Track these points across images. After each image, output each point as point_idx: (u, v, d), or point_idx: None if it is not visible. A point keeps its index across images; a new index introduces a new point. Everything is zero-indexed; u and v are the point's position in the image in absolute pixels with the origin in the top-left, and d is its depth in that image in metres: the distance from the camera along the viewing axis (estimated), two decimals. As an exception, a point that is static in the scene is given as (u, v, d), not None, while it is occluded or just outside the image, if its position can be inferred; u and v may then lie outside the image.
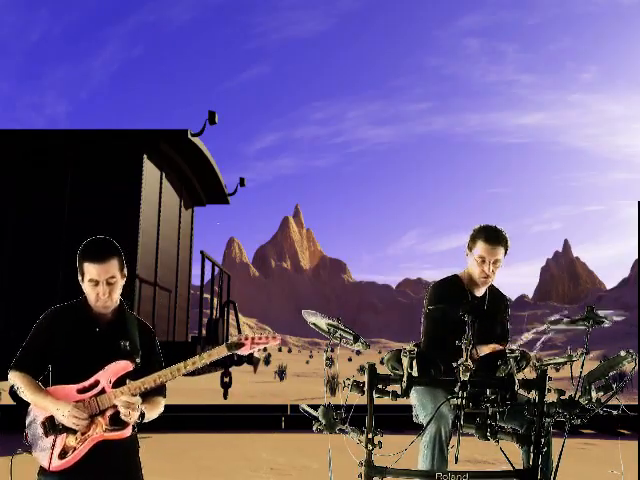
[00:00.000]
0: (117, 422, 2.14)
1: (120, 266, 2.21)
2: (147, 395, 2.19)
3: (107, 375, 2.15)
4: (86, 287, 2.19)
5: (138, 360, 2.23)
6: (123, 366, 2.17)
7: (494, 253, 2.94)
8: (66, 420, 2.06)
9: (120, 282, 2.22)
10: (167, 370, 2.19)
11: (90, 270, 2.15)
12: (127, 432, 2.18)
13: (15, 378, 2.17)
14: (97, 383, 2.14)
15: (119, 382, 2.16)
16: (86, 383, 2.13)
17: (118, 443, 2.16)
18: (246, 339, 2.23)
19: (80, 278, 2.20)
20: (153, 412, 2.22)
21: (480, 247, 2.96)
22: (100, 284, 2.16)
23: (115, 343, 2.21)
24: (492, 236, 2.95)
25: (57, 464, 2.06)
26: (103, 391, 2.13)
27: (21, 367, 2.19)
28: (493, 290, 3.16)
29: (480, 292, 3.09)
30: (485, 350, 2.81)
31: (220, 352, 2.22)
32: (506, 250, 3.00)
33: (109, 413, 2.12)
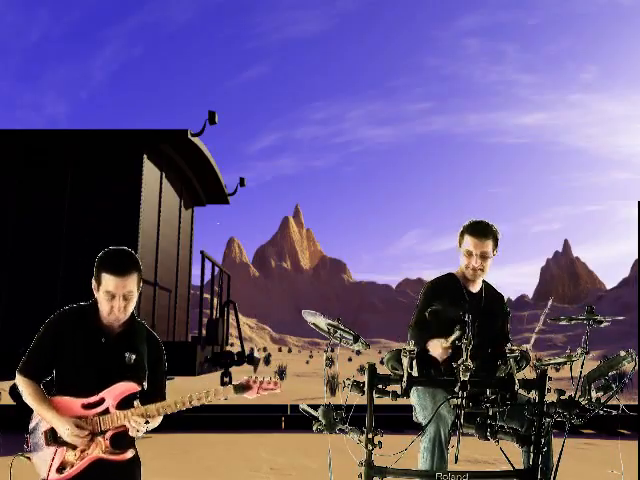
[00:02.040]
0: (117, 445, 2.13)
1: (138, 281, 2.15)
2: (152, 402, 2.18)
3: (112, 395, 2.13)
4: (100, 297, 2.13)
5: (145, 383, 2.21)
6: (129, 388, 2.15)
7: (481, 246, 2.94)
8: (67, 437, 2.06)
9: (136, 296, 2.17)
10: (171, 401, 2.17)
11: (108, 282, 2.08)
12: (128, 454, 2.17)
13: (21, 383, 2.17)
14: (102, 401, 2.12)
15: (124, 402, 2.14)
16: (91, 399, 2.11)
17: (116, 464, 2.15)
18: (254, 382, 2.24)
19: (95, 286, 2.14)
20: (156, 421, 2.22)
21: (467, 241, 2.97)
22: (116, 298, 2.10)
23: (120, 356, 2.17)
24: (478, 229, 2.95)
25: (54, 477, 2.06)
26: (107, 411, 2.11)
27: (27, 372, 2.17)
28: (488, 286, 3.16)
29: (476, 288, 3.09)
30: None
31: (226, 392, 2.20)
32: (495, 243, 2.98)
33: (110, 434, 2.11)
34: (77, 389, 2.12)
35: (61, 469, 2.07)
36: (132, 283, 2.11)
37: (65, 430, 2.05)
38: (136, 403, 2.13)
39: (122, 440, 2.14)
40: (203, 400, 2.18)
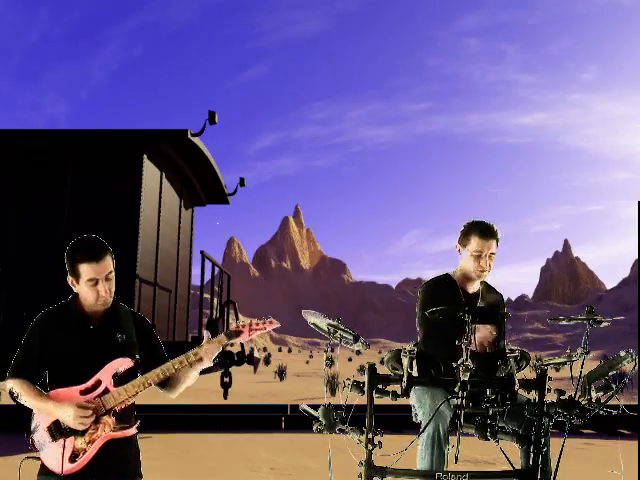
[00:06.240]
0: (123, 420, 2.16)
1: (113, 261, 2.23)
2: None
3: (108, 374, 2.15)
4: (83, 287, 2.17)
5: (137, 355, 2.24)
6: (121, 362, 2.17)
7: (489, 246, 2.97)
8: (72, 421, 2.06)
9: (113, 275, 2.24)
10: (169, 364, 2.20)
11: (87, 270, 2.14)
12: (133, 430, 2.21)
13: (14, 385, 2.17)
14: (99, 383, 2.14)
15: (121, 379, 2.16)
16: (88, 384, 2.13)
17: (125, 442, 2.18)
18: (243, 326, 2.25)
19: (73, 280, 2.18)
20: (189, 377, 2.26)
21: (475, 242, 2.98)
22: (100, 282, 2.16)
23: (111, 338, 2.21)
24: (486, 230, 2.98)
25: (69, 467, 2.07)
26: (106, 390, 2.14)
27: (18, 373, 2.18)
28: (487, 286, 3.16)
29: (473, 289, 3.09)
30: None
31: (220, 341, 2.23)
32: (498, 242, 3.02)
33: (115, 411, 2.14)
34: (73, 379, 2.14)
35: (73, 458, 2.08)
36: (109, 264, 2.19)
37: (67, 416, 2.05)
38: (139, 375, 2.18)
39: (126, 415, 2.18)
40: (200, 354, 2.20)
